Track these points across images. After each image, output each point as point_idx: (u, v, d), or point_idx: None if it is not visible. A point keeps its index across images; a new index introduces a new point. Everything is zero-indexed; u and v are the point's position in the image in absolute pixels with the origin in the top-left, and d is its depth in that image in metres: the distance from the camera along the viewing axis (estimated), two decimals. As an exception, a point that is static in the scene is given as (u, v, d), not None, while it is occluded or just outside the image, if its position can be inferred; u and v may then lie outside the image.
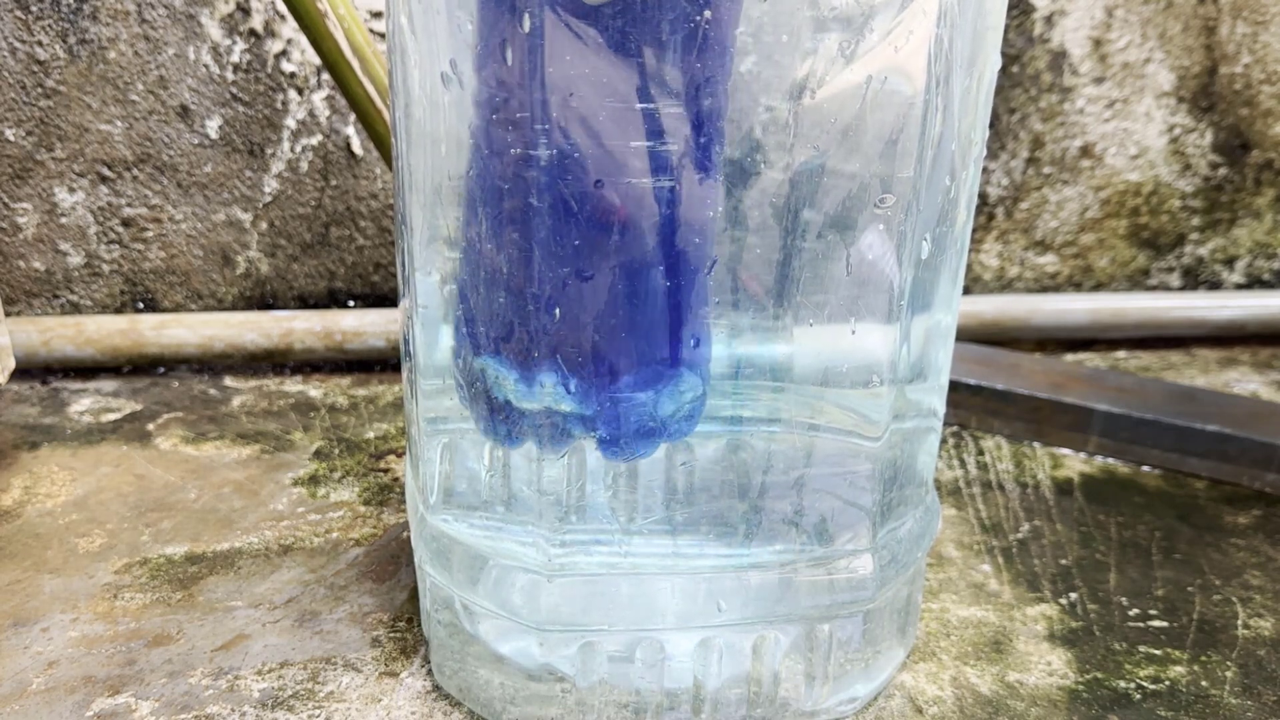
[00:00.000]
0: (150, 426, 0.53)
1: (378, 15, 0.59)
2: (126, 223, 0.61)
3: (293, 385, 0.60)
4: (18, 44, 0.56)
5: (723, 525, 0.28)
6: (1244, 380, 0.64)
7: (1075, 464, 0.51)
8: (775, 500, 0.28)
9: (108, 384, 0.59)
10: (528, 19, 0.23)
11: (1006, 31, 0.65)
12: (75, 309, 0.62)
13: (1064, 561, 0.41)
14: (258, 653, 0.34)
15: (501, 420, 0.27)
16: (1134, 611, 0.38)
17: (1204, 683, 0.34)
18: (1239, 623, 0.37)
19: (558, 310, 0.25)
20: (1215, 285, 0.73)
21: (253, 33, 0.58)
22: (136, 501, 0.45)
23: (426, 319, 0.29)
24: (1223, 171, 0.70)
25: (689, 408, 0.27)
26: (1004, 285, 0.71)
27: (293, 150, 0.61)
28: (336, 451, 0.50)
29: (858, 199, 0.26)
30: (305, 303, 0.65)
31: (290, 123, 0.60)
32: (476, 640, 0.31)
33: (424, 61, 0.26)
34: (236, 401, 0.57)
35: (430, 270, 0.28)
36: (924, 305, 0.29)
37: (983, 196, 0.69)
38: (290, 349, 0.61)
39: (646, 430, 0.27)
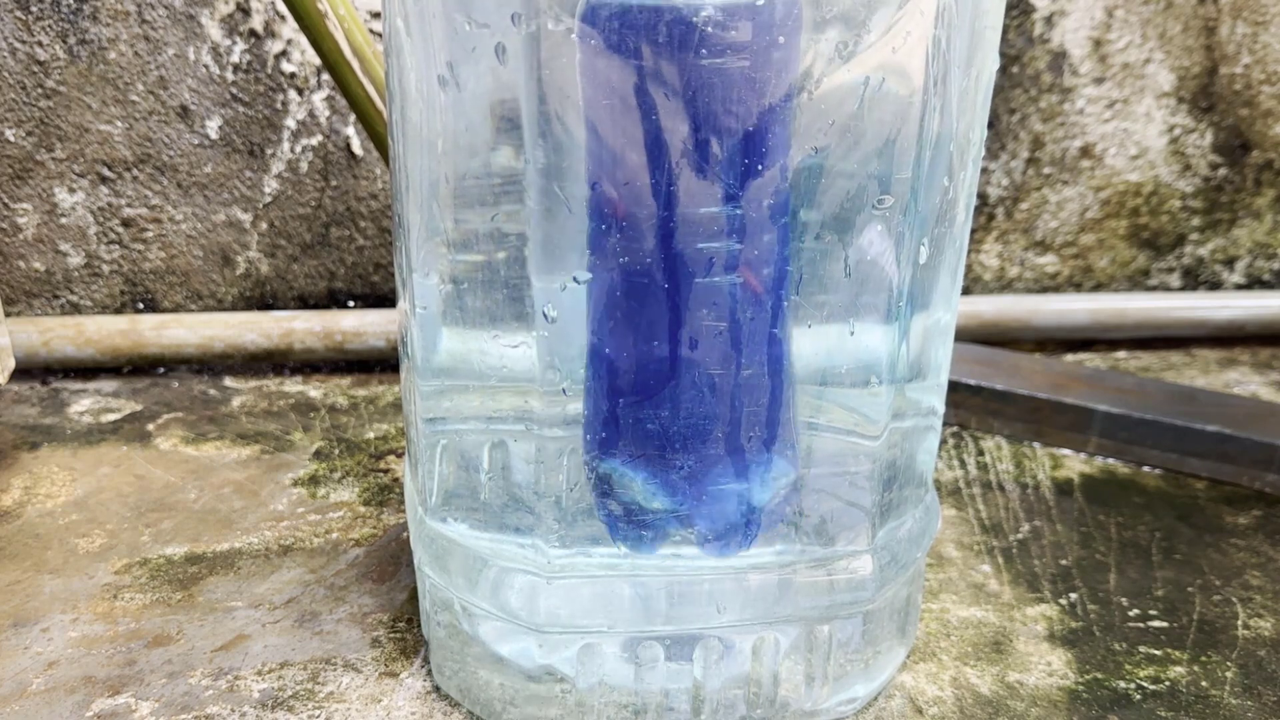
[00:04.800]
0: (150, 427, 0.53)
1: (377, 15, 0.59)
2: (126, 223, 0.61)
3: (293, 385, 0.60)
4: (18, 44, 0.56)
5: (722, 526, 0.28)
6: (1244, 381, 0.64)
7: (1075, 464, 0.51)
8: (775, 501, 0.28)
9: (108, 384, 0.59)
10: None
11: (1006, 32, 0.65)
12: (75, 309, 0.62)
13: (1064, 562, 0.41)
14: (258, 653, 0.34)
15: (630, 523, 0.27)
16: (1134, 612, 0.38)
17: (1204, 683, 0.34)
18: (1239, 623, 0.37)
19: (664, 409, 0.26)
20: (1215, 285, 0.73)
21: (253, 33, 0.58)
22: (136, 502, 0.45)
23: (424, 320, 0.29)
24: (1223, 172, 0.70)
25: (783, 494, 0.27)
26: (1004, 286, 0.71)
27: (293, 150, 0.61)
28: (336, 452, 0.50)
29: (856, 199, 0.26)
30: (305, 303, 0.65)
31: (290, 123, 0.60)
32: (476, 641, 0.31)
33: (420, 64, 0.26)
34: (236, 402, 0.57)
35: (428, 271, 0.28)
36: (923, 304, 0.29)
37: (983, 197, 0.69)
38: (290, 349, 0.61)
39: (743, 521, 0.27)
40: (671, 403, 0.26)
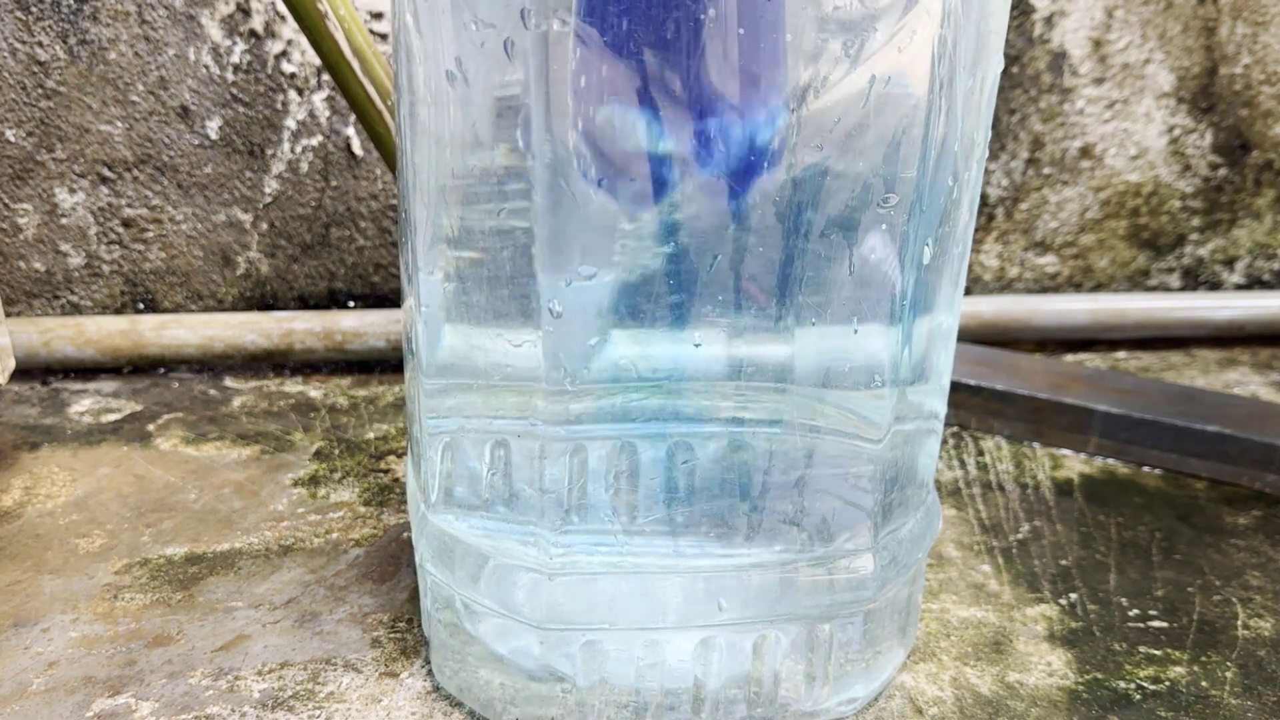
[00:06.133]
0: (150, 427, 0.53)
1: (378, 16, 0.59)
2: (127, 223, 0.61)
3: (293, 386, 0.60)
4: (18, 45, 0.56)
5: (723, 525, 0.28)
6: (1244, 381, 0.64)
7: (1075, 464, 0.51)
8: (776, 500, 0.28)
9: (108, 384, 0.59)
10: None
11: (1006, 32, 0.65)
12: (75, 309, 0.62)
13: (1064, 562, 0.41)
14: (258, 653, 0.34)
15: (632, 177, 0.25)
16: (1134, 612, 0.38)
17: (1204, 683, 0.34)
18: (1239, 623, 0.37)
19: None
20: (1215, 286, 0.73)
21: (253, 33, 0.58)
22: (137, 502, 0.45)
23: (429, 318, 0.29)
24: (1223, 172, 0.70)
25: (779, 140, 0.26)
26: (1004, 286, 0.71)
27: (293, 151, 0.61)
28: (337, 452, 0.50)
29: (861, 200, 0.26)
30: (305, 303, 0.65)
31: (290, 123, 0.60)
32: (477, 640, 0.31)
33: (429, 60, 0.26)
34: (237, 402, 0.57)
35: (433, 269, 0.28)
36: (926, 307, 0.29)
37: (983, 197, 0.69)
38: (290, 349, 0.61)
39: (748, 163, 0.25)
40: (683, 41, 0.24)
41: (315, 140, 0.61)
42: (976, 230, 0.69)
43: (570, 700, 0.29)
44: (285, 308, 0.64)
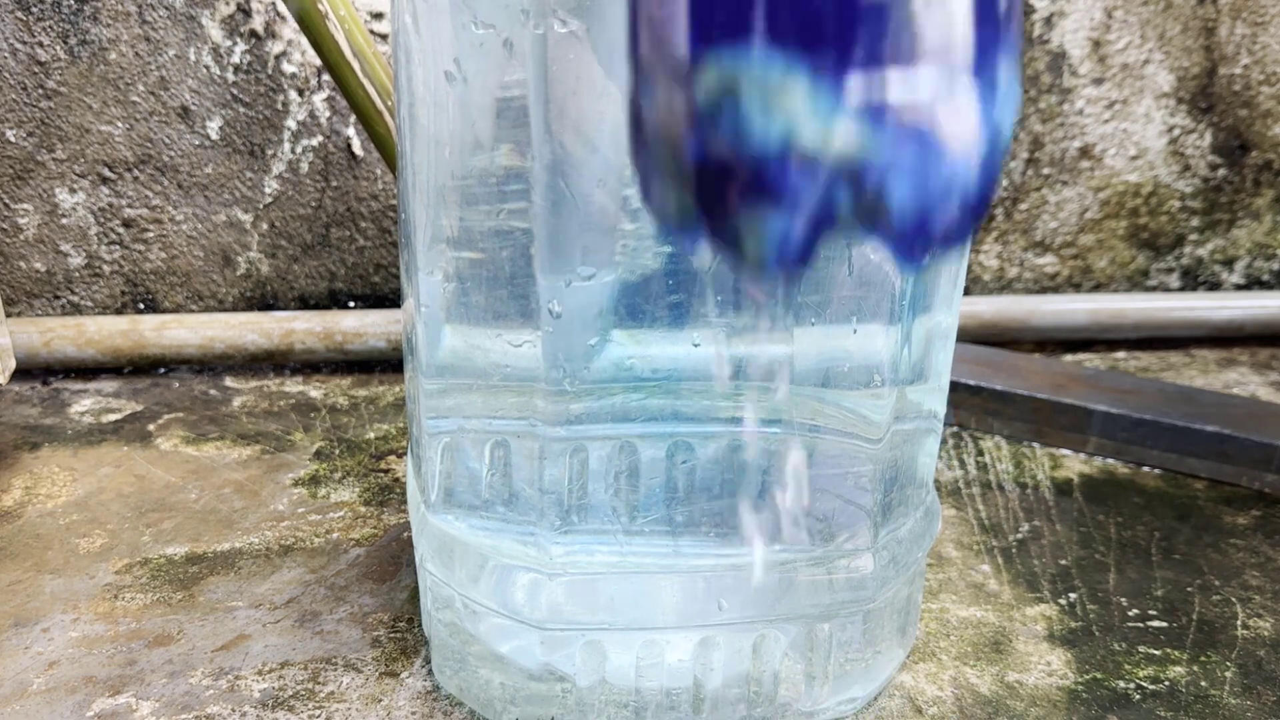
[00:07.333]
0: (151, 427, 0.53)
1: (378, 16, 0.59)
2: (127, 223, 0.61)
3: (293, 386, 0.60)
4: (19, 45, 0.56)
5: (723, 525, 0.28)
6: (1243, 381, 0.64)
7: (1075, 464, 0.51)
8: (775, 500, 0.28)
9: (108, 384, 0.59)
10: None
11: (1006, 33, 0.65)
12: (76, 310, 0.62)
13: (1063, 562, 0.41)
14: (258, 653, 0.34)
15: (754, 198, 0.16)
16: (1133, 612, 0.38)
17: (1203, 683, 0.34)
18: (1238, 623, 0.37)
19: None
20: (1214, 286, 0.73)
21: (253, 34, 0.58)
22: (137, 502, 0.45)
23: (429, 318, 0.29)
24: (1222, 172, 0.70)
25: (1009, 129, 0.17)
26: (1003, 286, 0.71)
27: (293, 151, 0.61)
28: (337, 452, 0.50)
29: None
30: (306, 303, 0.65)
31: (291, 124, 0.60)
32: (477, 640, 0.31)
33: (428, 60, 0.26)
34: (237, 402, 0.57)
35: (433, 270, 0.28)
36: (925, 306, 0.29)
37: (982, 197, 0.69)
38: (291, 350, 0.61)
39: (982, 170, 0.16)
40: None
41: (315, 140, 0.61)
42: (976, 230, 0.69)
43: (570, 700, 0.30)
44: (286, 308, 0.64)
